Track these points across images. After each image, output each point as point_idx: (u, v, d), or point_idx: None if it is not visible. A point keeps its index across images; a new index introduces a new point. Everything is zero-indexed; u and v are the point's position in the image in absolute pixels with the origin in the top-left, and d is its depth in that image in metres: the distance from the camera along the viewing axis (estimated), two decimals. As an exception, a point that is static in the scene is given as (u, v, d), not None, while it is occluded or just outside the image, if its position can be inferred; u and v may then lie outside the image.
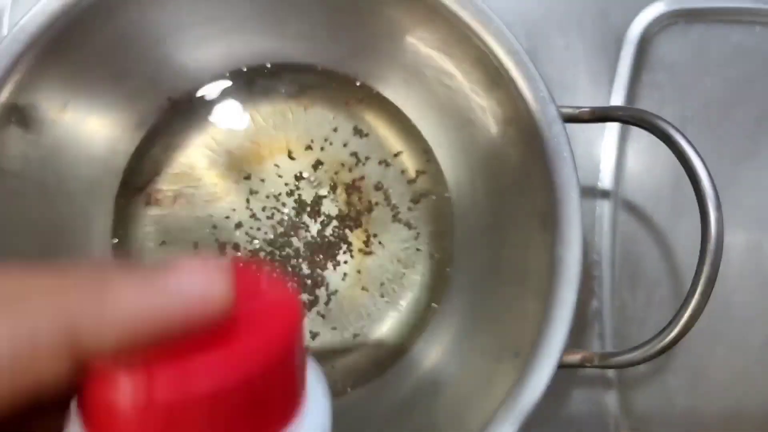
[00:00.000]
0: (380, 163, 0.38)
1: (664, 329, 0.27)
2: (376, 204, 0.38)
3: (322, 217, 0.37)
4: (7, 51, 0.27)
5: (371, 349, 0.37)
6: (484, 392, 0.30)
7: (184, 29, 0.34)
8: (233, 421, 0.13)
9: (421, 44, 0.33)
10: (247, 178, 0.37)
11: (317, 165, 0.38)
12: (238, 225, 0.37)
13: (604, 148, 0.38)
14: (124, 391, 0.12)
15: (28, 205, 0.31)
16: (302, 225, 0.37)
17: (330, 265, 0.37)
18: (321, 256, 0.37)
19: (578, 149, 0.38)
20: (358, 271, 0.38)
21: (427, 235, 0.38)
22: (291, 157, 0.38)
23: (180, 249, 0.37)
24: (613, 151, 0.38)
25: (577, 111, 0.29)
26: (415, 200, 0.38)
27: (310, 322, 0.37)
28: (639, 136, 0.38)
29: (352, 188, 0.38)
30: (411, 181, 0.38)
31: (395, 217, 0.38)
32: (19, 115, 0.29)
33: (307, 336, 0.37)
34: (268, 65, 0.38)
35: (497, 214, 0.35)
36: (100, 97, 0.33)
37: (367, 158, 0.38)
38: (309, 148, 0.38)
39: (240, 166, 0.38)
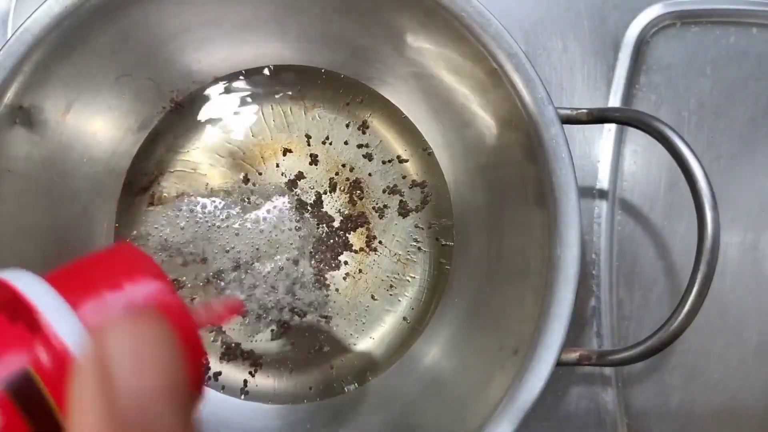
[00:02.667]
0: (380, 163, 0.39)
1: (661, 327, 0.27)
2: (377, 204, 0.38)
3: (324, 217, 0.38)
4: (12, 53, 0.27)
5: (372, 348, 0.38)
6: (483, 390, 0.30)
7: (187, 32, 0.34)
8: None
9: (421, 46, 0.33)
10: (249, 178, 0.38)
11: (318, 165, 0.38)
12: (240, 225, 0.37)
13: (602, 149, 0.39)
14: None
15: (32, 206, 0.31)
16: (304, 225, 0.38)
17: (332, 264, 0.38)
18: (323, 256, 0.37)
19: (576, 150, 0.38)
20: (360, 271, 0.38)
21: (427, 234, 0.38)
22: (292, 158, 0.38)
23: (182, 249, 0.37)
24: (610, 152, 0.39)
25: (575, 112, 0.30)
26: (415, 200, 0.39)
27: (311, 321, 0.37)
28: (636, 137, 0.39)
29: (352, 188, 0.38)
30: (411, 182, 0.39)
31: (395, 217, 0.38)
32: (24, 116, 0.29)
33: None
34: (270, 67, 0.38)
35: (496, 214, 0.35)
36: (104, 99, 0.33)
37: (367, 159, 0.39)
38: (310, 148, 0.38)
39: (242, 167, 0.38)
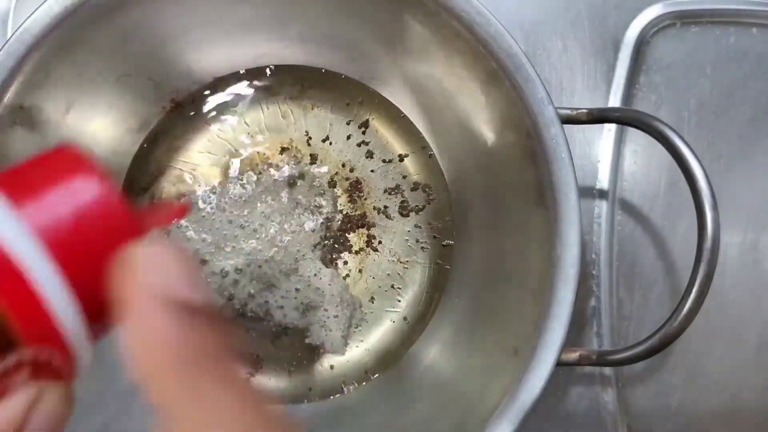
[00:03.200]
0: (381, 163, 0.39)
1: (660, 327, 0.27)
2: (377, 204, 0.38)
3: (324, 217, 0.38)
4: (12, 53, 0.27)
5: (371, 348, 0.38)
6: (483, 390, 0.30)
7: (187, 32, 0.34)
8: None
9: (421, 46, 0.33)
10: (249, 178, 0.38)
11: (318, 165, 0.38)
12: (240, 225, 0.37)
13: (602, 149, 0.39)
14: None
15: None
16: (304, 225, 0.38)
17: (332, 264, 0.38)
18: (323, 255, 0.37)
19: (576, 150, 0.38)
20: (360, 270, 0.38)
21: (427, 234, 0.38)
22: (292, 158, 0.38)
23: (181, 249, 0.37)
24: (610, 152, 0.39)
25: (575, 112, 0.30)
26: (416, 200, 0.39)
27: (311, 321, 0.37)
28: (636, 137, 0.39)
29: (353, 188, 0.38)
30: (411, 182, 0.39)
31: (395, 217, 0.38)
32: (24, 116, 0.29)
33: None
34: (271, 67, 0.38)
35: (496, 214, 0.35)
36: (104, 99, 0.33)
37: (367, 158, 0.39)
38: (310, 148, 0.38)
39: (242, 167, 0.38)
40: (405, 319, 0.38)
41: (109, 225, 0.16)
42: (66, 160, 0.17)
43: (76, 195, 0.16)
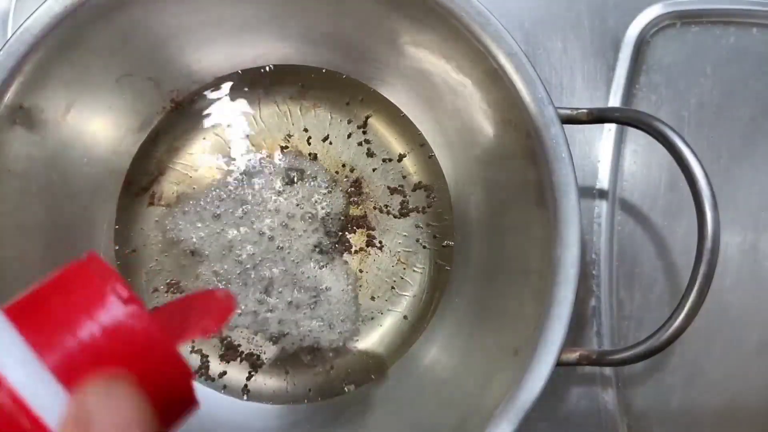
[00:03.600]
0: (381, 163, 0.39)
1: (660, 327, 0.27)
2: (377, 204, 0.38)
3: (324, 218, 0.38)
4: (12, 53, 0.27)
5: (372, 348, 0.38)
6: (483, 390, 0.30)
7: (187, 32, 0.34)
8: None
9: (421, 46, 0.33)
10: (249, 178, 0.38)
11: (318, 165, 0.38)
12: (240, 225, 0.37)
13: (602, 149, 0.39)
14: None
15: (32, 205, 0.31)
16: (304, 224, 0.38)
17: (331, 264, 0.38)
18: (322, 256, 0.37)
19: (576, 150, 0.38)
20: (360, 271, 0.38)
21: (428, 234, 0.38)
22: (292, 157, 0.38)
23: (181, 249, 0.37)
24: (610, 152, 0.39)
25: (575, 112, 0.30)
26: (416, 200, 0.39)
27: (311, 321, 0.37)
28: (636, 137, 0.39)
29: (353, 188, 0.38)
30: (412, 181, 0.39)
31: (396, 218, 0.38)
32: (24, 116, 0.29)
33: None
34: (270, 66, 0.38)
35: (496, 214, 0.35)
36: (104, 99, 0.33)
37: (367, 158, 0.39)
38: (310, 147, 0.38)
39: (242, 167, 0.38)
40: (405, 318, 0.38)
41: (138, 351, 0.15)
42: (87, 281, 0.16)
43: (102, 323, 0.15)
